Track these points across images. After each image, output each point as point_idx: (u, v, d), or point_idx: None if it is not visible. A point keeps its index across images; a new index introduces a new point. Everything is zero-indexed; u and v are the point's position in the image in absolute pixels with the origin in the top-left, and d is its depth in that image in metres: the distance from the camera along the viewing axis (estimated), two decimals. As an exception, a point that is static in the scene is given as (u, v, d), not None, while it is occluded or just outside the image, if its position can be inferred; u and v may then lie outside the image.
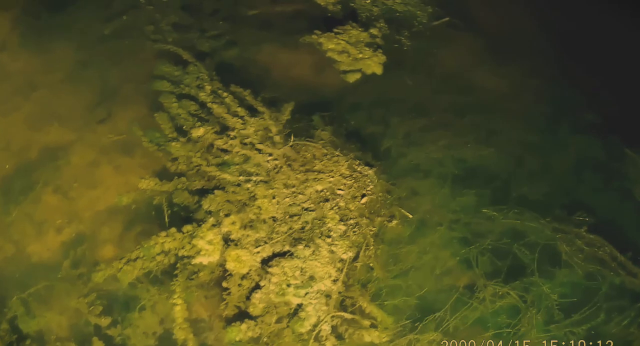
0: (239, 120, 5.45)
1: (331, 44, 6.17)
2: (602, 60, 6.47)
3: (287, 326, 4.67)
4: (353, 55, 6.15)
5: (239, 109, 5.55)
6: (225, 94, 5.66)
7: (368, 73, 6.11)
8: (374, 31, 6.41)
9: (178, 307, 4.75)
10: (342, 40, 6.23)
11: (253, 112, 5.56)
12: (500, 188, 5.55)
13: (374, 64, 6.13)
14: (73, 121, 5.70)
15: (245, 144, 5.30)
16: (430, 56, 6.41)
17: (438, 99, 6.09)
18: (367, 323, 4.74)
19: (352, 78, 6.02)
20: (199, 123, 5.48)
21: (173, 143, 5.34)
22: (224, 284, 4.78)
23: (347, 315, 4.73)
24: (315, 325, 4.65)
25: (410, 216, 5.15)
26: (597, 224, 5.24)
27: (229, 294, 4.74)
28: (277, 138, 5.29)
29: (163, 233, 4.94)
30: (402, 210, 5.16)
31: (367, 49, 6.23)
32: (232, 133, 5.37)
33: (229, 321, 4.77)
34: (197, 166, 5.23)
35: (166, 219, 5.03)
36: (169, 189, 5.12)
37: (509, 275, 5.11)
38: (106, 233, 5.17)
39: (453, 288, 5.07)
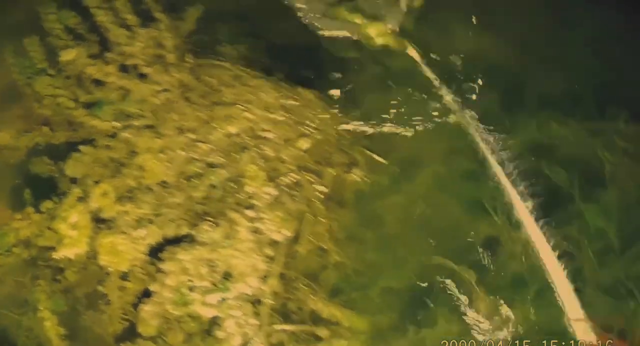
0: (125, 32, 3.23)
1: None
2: None
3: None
4: None
5: (129, 16, 3.30)
6: (118, -7, 3.38)
7: None
8: None
9: (48, 323, 2.86)
10: None
11: (149, 21, 3.27)
12: (511, 92, 3.53)
13: None
14: None
15: (126, 70, 3.08)
16: None
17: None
18: (325, 332, 2.73)
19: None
20: (73, 42, 3.27)
21: (38, 77, 3.20)
22: (100, 288, 2.76)
23: (292, 327, 2.69)
24: (244, 348, 2.66)
25: (385, 161, 2.88)
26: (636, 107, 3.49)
27: (108, 303, 2.73)
28: (171, 57, 3.08)
29: (18, 216, 2.92)
30: (370, 153, 2.87)
31: None
32: (111, 56, 3.14)
33: (120, 339, 2.80)
34: (67, 109, 3.08)
35: (26, 195, 3.01)
36: (28, 144, 3.04)
37: (542, 208, 3.26)
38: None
39: (467, 247, 3.15)
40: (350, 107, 3.13)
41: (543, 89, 3.44)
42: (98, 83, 3.21)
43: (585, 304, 3.20)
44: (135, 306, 2.83)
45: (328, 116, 2.97)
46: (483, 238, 3.23)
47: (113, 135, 3.01)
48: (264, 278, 2.73)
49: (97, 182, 2.92)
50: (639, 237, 3.33)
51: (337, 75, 3.19)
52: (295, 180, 2.82)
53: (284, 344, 2.79)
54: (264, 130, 2.87)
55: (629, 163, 3.46)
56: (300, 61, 3.14)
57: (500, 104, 3.48)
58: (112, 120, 3.02)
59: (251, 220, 2.76)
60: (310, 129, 2.91)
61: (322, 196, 2.84)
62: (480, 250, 3.18)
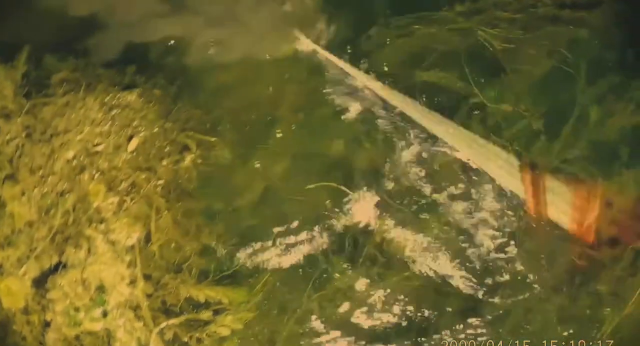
0: (-29, 97, 3.43)
1: None
2: None
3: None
4: None
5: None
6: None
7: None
8: None
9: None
10: None
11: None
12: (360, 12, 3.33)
13: None
14: None
15: (-17, 130, 3.29)
16: None
17: None
18: (207, 314, 2.75)
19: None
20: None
21: None
22: (14, 328, 2.99)
23: (176, 320, 2.76)
24: (142, 352, 2.77)
25: (212, 139, 2.88)
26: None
27: (23, 339, 2.96)
28: (13, 105, 3.19)
29: None
30: (198, 135, 2.88)
31: None
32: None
33: (48, 369, 3.03)
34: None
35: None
36: None
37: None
38: None
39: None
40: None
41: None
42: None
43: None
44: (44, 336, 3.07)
45: (151, 113, 2.99)
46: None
47: (-15, 193, 3.24)
48: (132, 283, 2.83)
49: (-16, 237, 3.17)
50: (565, 115, 2.97)
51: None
52: (131, 183, 2.88)
53: (179, 337, 2.87)
54: (95, 145, 2.96)
55: (517, 36, 3.10)
56: (124, 66, 3.19)
57: (350, 27, 3.26)
58: (-18, 180, 3.25)
59: (104, 233, 2.87)
60: (136, 129, 2.95)
61: (160, 190, 2.88)
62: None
